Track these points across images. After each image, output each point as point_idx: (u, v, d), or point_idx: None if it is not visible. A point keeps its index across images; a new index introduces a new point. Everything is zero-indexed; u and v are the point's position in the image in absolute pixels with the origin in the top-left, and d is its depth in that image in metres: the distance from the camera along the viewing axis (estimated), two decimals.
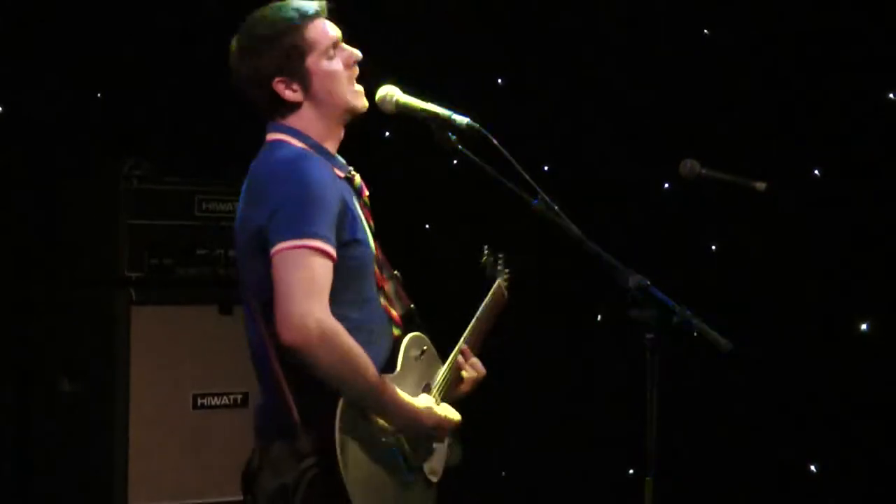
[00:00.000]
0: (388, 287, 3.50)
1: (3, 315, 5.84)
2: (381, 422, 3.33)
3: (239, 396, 5.67)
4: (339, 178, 3.43)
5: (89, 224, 5.69)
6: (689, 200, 5.58)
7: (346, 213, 3.33)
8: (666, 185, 5.81)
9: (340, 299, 3.29)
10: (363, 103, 3.49)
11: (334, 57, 3.44)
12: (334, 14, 3.50)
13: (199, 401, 5.60)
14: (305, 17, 3.42)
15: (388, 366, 3.41)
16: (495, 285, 3.89)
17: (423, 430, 3.40)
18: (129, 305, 5.51)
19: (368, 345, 3.33)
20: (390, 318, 3.47)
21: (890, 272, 5.37)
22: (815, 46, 5.52)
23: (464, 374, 3.61)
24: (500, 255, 3.99)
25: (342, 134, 3.51)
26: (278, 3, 3.48)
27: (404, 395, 3.35)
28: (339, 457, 3.22)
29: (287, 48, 3.40)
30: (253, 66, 3.42)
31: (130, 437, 5.44)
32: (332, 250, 3.25)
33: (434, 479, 3.49)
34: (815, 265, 5.52)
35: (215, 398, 5.62)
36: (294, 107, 3.43)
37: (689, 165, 4.01)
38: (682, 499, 5.44)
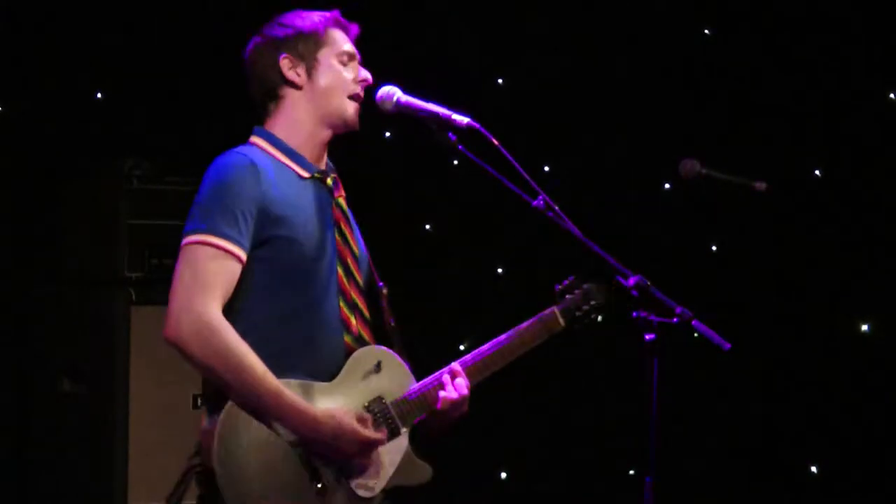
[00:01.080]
0: (355, 295, 3.45)
1: (3, 315, 5.84)
2: (277, 428, 3.26)
3: None
4: (303, 178, 3.44)
5: (89, 224, 5.69)
6: (689, 200, 5.58)
7: (266, 210, 3.31)
8: (666, 185, 5.81)
9: (265, 299, 3.31)
10: (354, 119, 3.51)
11: (347, 65, 3.50)
12: (359, 43, 3.57)
13: (199, 401, 5.60)
14: (334, 21, 3.52)
15: (325, 375, 3.36)
16: (549, 312, 3.65)
17: (320, 438, 3.27)
18: (129, 305, 5.50)
19: (304, 349, 3.33)
20: (345, 324, 3.41)
21: (890, 272, 5.38)
22: (815, 46, 5.52)
23: (441, 393, 3.45)
24: (587, 287, 3.67)
25: (328, 138, 3.51)
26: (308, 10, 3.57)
27: (298, 401, 3.25)
28: (215, 456, 3.22)
29: (307, 33, 3.48)
30: (269, 37, 3.50)
31: (130, 437, 5.44)
32: (235, 249, 3.26)
33: (365, 495, 3.36)
34: (815, 265, 5.52)
35: None
36: (286, 95, 3.46)
37: (689, 165, 4.00)
38: (682, 499, 5.44)
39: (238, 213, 3.28)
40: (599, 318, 3.64)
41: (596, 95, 5.97)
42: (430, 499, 3.55)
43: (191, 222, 3.30)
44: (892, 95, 5.39)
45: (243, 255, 3.28)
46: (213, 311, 3.21)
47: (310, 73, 3.47)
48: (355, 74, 3.51)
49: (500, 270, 6.25)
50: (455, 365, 3.51)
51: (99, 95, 6.09)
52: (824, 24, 5.50)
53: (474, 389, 3.50)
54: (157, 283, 5.59)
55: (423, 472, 3.47)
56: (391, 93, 3.54)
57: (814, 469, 5.55)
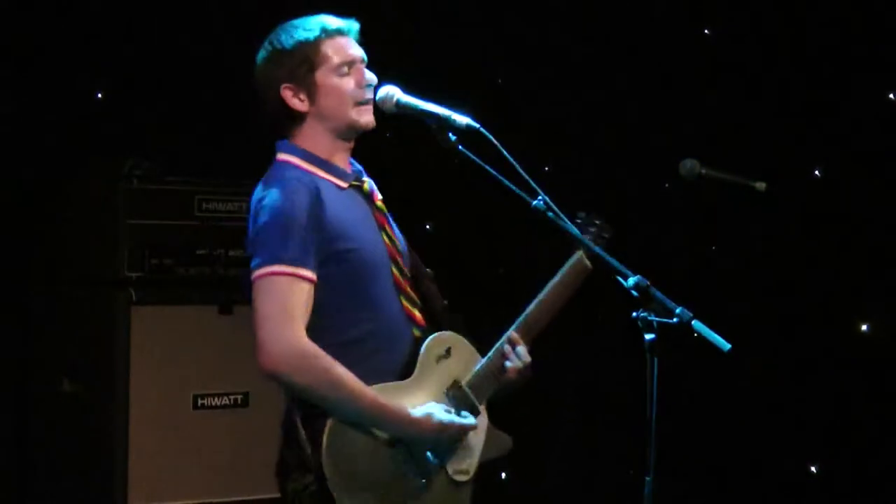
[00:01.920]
0: (410, 288, 3.55)
1: (3, 315, 5.84)
2: (378, 433, 3.37)
3: (239, 396, 5.67)
4: (342, 188, 3.49)
5: (89, 224, 5.68)
6: (689, 200, 5.58)
7: (325, 228, 3.38)
8: (666, 185, 5.81)
9: (334, 313, 3.39)
10: (367, 120, 3.53)
11: (347, 75, 3.51)
12: (362, 36, 3.57)
13: (199, 401, 5.59)
14: (326, 32, 3.50)
15: (404, 371, 3.46)
16: (575, 257, 3.68)
17: (424, 438, 3.41)
18: (129, 305, 5.50)
19: (377, 353, 3.42)
20: (411, 319, 3.51)
21: (890, 272, 5.37)
22: (815, 46, 5.52)
23: (507, 363, 3.56)
24: (599, 222, 3.76)
25: (351, 145, 3.56)
26: (307, 17, 3.55)
27: (397, 408, 3.37)
28: (329, 476, 3.31)
29: (299, 59, 3.48)
30: (267, 71, 3.51)
31: (130, 437, 5.43)
32: (305, 272, 3.33)
33: (462, 479, 3.50)
34: (815, 265, 5.52)
35: (215, 398, 5.62)
36: (299, 118, 3.50)
37: (689, 165, 4.00)
38: (682, 499, 5.44)
39: (301, 238, 3.35)
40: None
41: (596, 95, 5.97)
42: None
43: (260, 255, 3.35)
44: (891, 95, 5.39)
45: (314, 277, 3.36)
46: (304, 338, 3.32)
47: (312, 97, 3.49)
48: (359, 79, 3.51)
49: (500, 270, 6.25)
50: (512, 333, 3.59)
51: (99, 95, 6.09)
52: (824, 23, 5.49)
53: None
54: (157, 283, 5.59)
55: (505, 441, 3.66)
56: (391, 93, 3.54)
57: (814, 469, 5.55)
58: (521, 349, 3.57)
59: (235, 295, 5.68)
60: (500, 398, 3.62)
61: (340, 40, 3.52)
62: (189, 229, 5.69)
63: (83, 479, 5.50)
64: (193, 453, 5.55)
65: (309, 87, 3.48)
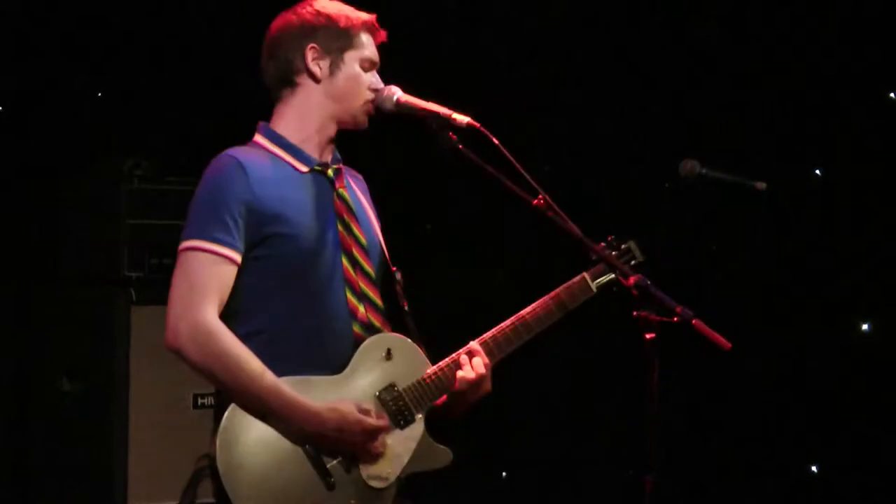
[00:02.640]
0: (364, 285, 3.45)
1: (3, 315, 5.84)
2: (280, 426, 3.27)
3: None
4: (302, 172, 3.44)
5: (89, 224, 5.68)
6: (689, 200, 5.58)
7: (258, 210, 3.32)
8: (666, 185, 5.81)
9: (266, 297, 3.32)
10: (363, 122, 3.52)
11: (367, 71, 3.51)
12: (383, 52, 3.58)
13: (200, 401, 5.59)
14: (369, 26, 3.51)
15: (337, 366, 3.36)
16: (579, 278, 3.62)
17: (325, 432, 3.27)
18: (129, 305, 5.50)
19: (311, 343, 3.33)
20: (353, 314, 3.41)
21: (890, 272, 5.38)
22: (815, 46, 5.52)
23: (458, 373, 3.45)
24: (626, 247, 3.67)
25: (333, 133, 3.51)
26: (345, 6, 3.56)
27: (298, 397, 3.26)
28: (220, 463, 3.24)
29: (340, 29, 3.47)
30: (299, 24, 3.48)
31: (130, 437, 5.43)
32: (224, 250, 3.29)
33: (378, 485, 3.35)
34: (815, 265, 5.52)
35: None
36: (299, 85, 3.46)
37: (689, 165, 4.00)
38: (682, 499, 5.44)
39: (227, 215, 3.31)
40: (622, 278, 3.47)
41: (596, 95, 5.97)
42: (430, 499, 3.54)
43: (184, 230, 3.34)
44: (892, 95, 5.39)
45: (237, 257, 3.31)
46: (209, 315, 3.24)
47: (332, 69, 3.47)
48: (373, 81, 3.52)
49: (500, 270, 6.25)
50: (473, 344, 3.51)
51: (99, 95, 6.09)
52: (824, 23, 5.49)
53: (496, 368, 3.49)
54: (157, 283, 5.58)
55: (443, 456, 3.47)
56: (391, 92, 3.53)
57: (814, 469, 5.55)
58: (479, 361, 3.47)
59: None
60: (450, 414, 3.49)
61: (373, 40, 3.53)
62: None
63: (83, 479, 5.50)
64: (193, 453, 5.53)
65: (335, 59, 3.46)
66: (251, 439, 3.26)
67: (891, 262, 5.37)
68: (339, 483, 3.31)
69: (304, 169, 3.46)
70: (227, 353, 3.24)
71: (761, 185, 4.05)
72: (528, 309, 3.58)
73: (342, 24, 3.47)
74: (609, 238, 3.66)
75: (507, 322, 3.56)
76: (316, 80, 3.47)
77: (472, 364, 3.47)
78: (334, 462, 3.31)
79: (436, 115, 3.48)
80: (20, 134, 5.88)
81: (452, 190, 5.97)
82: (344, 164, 3.57)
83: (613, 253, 3.63)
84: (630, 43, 5.91)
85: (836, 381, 5.46)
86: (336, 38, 3.46)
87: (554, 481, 6.09)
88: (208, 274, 3.27)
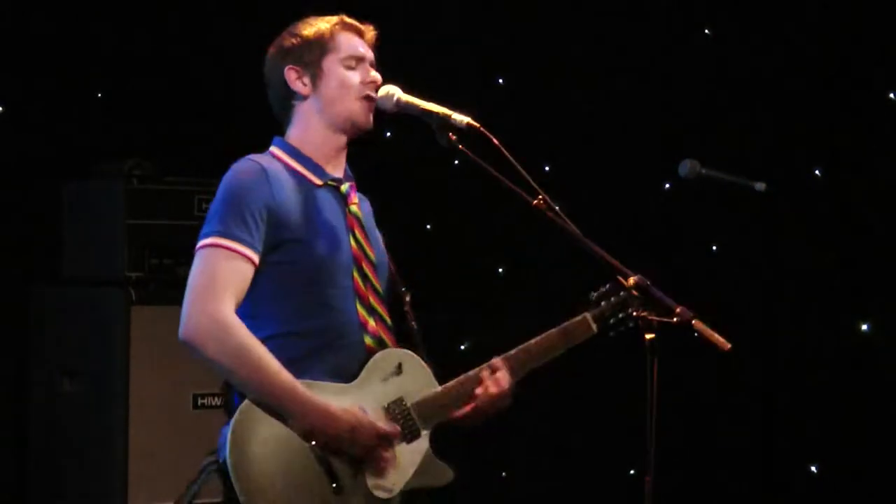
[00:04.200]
0: (373, 299, 3.48)
1: (3, 315, 5.84)
2: (293, 424, 3.28)
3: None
4: (317, 185, 3.48)
5: (89, 224, 5.69)
6: (689, 200, 5.58)
7: (277, 215, 3.36)
8: (666, 185, 5.81)
9: (281, 302, 3.36)
10: (364, 120, 3.52)
11: (353, 69, 3.52)
12: (377, 45, 3.58)
13: (199, 401, 5.60)
14: (343, 25, 3.53)
15: (347, 376, 3.38)
16: (580, 318, 3.61)
17: (337, 432, 3.28)
18: (129, 305, 5.50)
19: (322, 351, 3.36)
20: (363, 327, 3.44)
21: (890, 272, 5.37)
22: (815, 46, 5.52)
23: (478, 389, 3.48)
24: (624, 295, 3.55)
25: (344, 145, 3.54)
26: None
27: (314, 396, 3.28)
28: (229, 454, 3.23)
29: (311, 43, 3.50)
30: (277, 52, 3.54)
31: (130, 437, 5.43)
32: (242, 249, 3.32)
33: (382, 495, 3.36)
34: (815, 265, 5.52)
35: (215, 398, 5.62)
36: (298, 104, 3.50)
37: (689, 165, 4.00)
38: (682, 499, 5.44)
39: (248, 216, 3.34)
40: (632, 325, 3.53)
41: (596, 95, 5.97)
42: (430, 499, 3.54)
43: (204, 227, 3.38)
44: (891, 95, 5.39)
45: (255, 257, 3.34)
46: (227, 310, 3.26)
47: (314, 81, 3.50)
48: (364, 76, 3.51)
49: (500, 270, 6.25)
50: (496, 360, 3.52)
51: (99, 95, 6.09)
52: (824, 23, 5.49)
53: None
54: (157, 283, 5.59)
55: (444, 473, 3.49)
56: (391, 92, 3.54)
57: (814, 469, 5.54)
58: (501, 376, 3.50)
59: None
60: (467, 424, 3.51)
61: (355, 37, 3.54)
62: (189, 229, 5.65)
63: (83, 478, 5.50)
64: (193, 453, 5.53)
65: (314, 71, 3.49)
66: (263, 436, 3.26)
67: (891, 262, 5.37)
68: (346, 488, 3.31)
69: (319, 182, 3.50)
70: (245, 347, 3.25)
71: (761, 185, 4.06)
72: (537, 339, 3.60)
73: (312, 35, 3.51)
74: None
75: (522, 346, 3.58)
76: (304, 96, 3.50)
77: (496, 378, 3.50)
78: (343, 466, 3.31)
79: (436, 115, 3.49)
80: (21, 134, 5.88)
81: (452, 189, 5.97)
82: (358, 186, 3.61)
83: (603, 303, 3.61)
84: (630, 42, 5.91)
85: (836, 381, 5.46)
86: (310, 51, 3.50)
87: (554, 481, 6.09)
88: (228, 270, 3.30)
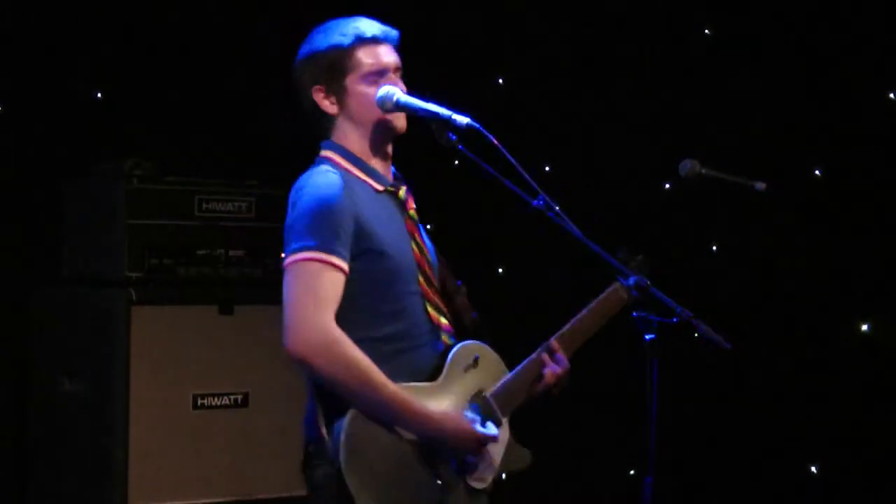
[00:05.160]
0: (438, 297, 3.56)
1: (3, 315, 5.84)
2: (399, 430, 3.37)
3: (239, 396, 5.67)
4: (378, 191, 3.53)
5: (89, 224, 5.68)
6: (689, 200, 5.58)
7: (359, 226, 3.42)
8: (666, 186, 5.81)
9: (362, 309, 3.42)
10: (400, 126, 3.56)
11: (377, 82, 3.53)
12: (398, 43, 3.60)
13: (199, 401, 5.59)
14: (360, 40, 3.54)
15: (430, 376, 3.47)
16: (611, 288, 3.64)
17: (443, 437, 3.41)
18: (129, 305, 5.50)
19: (403, 353, 3.44)
20: (438, 326, 3.52)
21: (890, 272, 5.37)
22: (815, 46, 5.52)
23: (545, 370, 3.57)
24: (639, 258, 3.64)
25: (388, 149, 3.59)
26: (345, 19, 3.58)
27: (420, 405, 3.38)
28: (344, 465, 3.30)
29: (331, 62, 3.52)
30: (302, 71, 3.56)
31: (130, 437, 5.43)
32: (338, 261, 3.36)
33: (480, 486, 3.51)
34: (816, 265, 5.52)
35: (215, 398, 5.62)
36: (331, 119, 3.55)
37: (689, 165, 4.00)
38: (682, 499, 5.44)
39: (339, 229, 3.38)
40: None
41: (596, 95, 5.97)
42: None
43: (296, 241, 3.38)
44: (891, 95, 5.39)
45: (346, 267, 3.39)
46: (333, 324, 3.34)
47: (341, 101, 3.54)
48: (387, 89, 3.53)
49: (500, 270, 6.25)
50: (552, 341, 3.59)
51: (99, 95, 6.09)
52: (824, 23, 5.49)
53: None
54: (157, 283, 5.59)
55: (525, 457, 3.67)
56: (391, 93, 3.54)
57: (814, 469, 5.55)
58: (561, 356, 3.59)
59: (235, 295, 5.68)
60: (536, 406, 3.62)
61: (375, 48, 3.55)
62: (189, 229, 5.69)
63: (83, 478, 5.50)
64: (193, 453, 5.56)
65: (339, 91, 3.53)
66: (377, 444, 3.35)
67: (891, 262, 5.37)
68: (450, 485, 3.44)
69: (380, 188, 3.55)
70: (354, 361, 3.33)
71: (761, 185, 4.05)
72: (581, 313, 3.65)
73: (331, 53, 3.53)
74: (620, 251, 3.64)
75: (569, 322, 3.63)
76: (334, 115, 3.55)
77: (556, 359, 3.59)
78: (446, 465, 3.44)
79: (436, 115, 3.49)
80: (21, 134, 5.88)
81: (452, 190, 5.97)
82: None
83: (630, 264, 3.61)
84: (630, 42, 5.91)
85: (836, 381, 5.46)
86: (331, 71, 3.52)
87: (554, 481, 6.09)
88: (328, 283, 3.35)
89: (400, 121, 3.55)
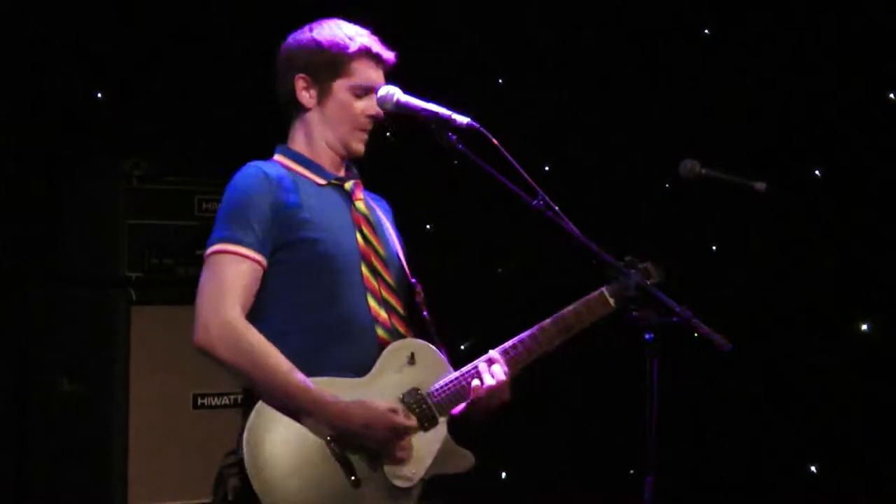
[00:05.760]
0: (385, 293, 3.51)
1: (3, 315, 5.84)
2: (308, 422, 3.32)
3: (239, 396, 5.53)
4: (320, 185, 3.52)
5: (89, 224, 5.68)
6: (689, 200, 5.58)
7: (283, 215, 3.41)
8: (666, 185, 5.81)
9: (290, 298, 3.41)
10: (358, 147, 3.57)
11: (360, 98, 3.54)
12: (392, 69, 3.58)
13: (199, 401, 5.59)
14: (365, 52, 3.54)
15: (361, 370, 3.42)
16: (591, 295, 3.52)
17: (352, 427, 3.32)
18: (129, 305, 5.49)
19: (334, 346, 3.40)
20: (376, 320, 3.47)
21: (890, 272, 5.38)
22: (815, 46, 5.52)
23: (474, 381, 3.47)
24: (644, 266, 3.47)
25: (341, 152, 3.58)
26: (354, 24, 3.58)
27: (326, 393, 3.32)
28: (247, 455, 3.30)
29: (328, 60, 3.52)
30: (293, 53, 3.56)
31: (130, 437, 5.43)
32: (248, 252, 3.38)
33: (403, 485, 3.39)
34: (815, 265, 5.52)
35: (215, 398, 5.62)
36: (300, 109, 3.54)
37: (689, 165, 4.00)
38: (682, 499, 5.44)
39: (253, 220, 3.40)
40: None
41: (596, 95, 5.97)
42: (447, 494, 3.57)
43: (211, 234, 3.43)
44: (892, 95, 5.40)
45: (262, 260, 3.40)
46: (236, 314, 3.35)
47: (320, 98, 3.54)
48: (368, 107, 3.54)
49: (500, 270, 6.26)
50: (493, 352, 3.52)
51: (99, 95, 6.09)
52: (824, 24, 5.50)
53: (517, 377, 3.49)
54: (157, 283, 5.59)
55: (465, 459, 3.53)
56: (391, 93, 3.54)
57: (814, 469, 5.55)
58: (498, 368, 3.48)
59: None
60: (471, 422, 3.50)
61: (374, 66, 3.56)
62: (189, 229, 5.69)
63: (83, 478, 5.49)
64: (193, 453, 5.55)
65: (322, 88, 3.53)
66: (278, 437, 3.32)
67: (891, 262, 5.37)
68: (365, 481, 3.35)
69: (322, 182, 3.55)
70: (255, 349, 3.32)
71: (761, 185, 4.05)
72: (547, 321, 3.55)
73: (333, 51, 3.52)
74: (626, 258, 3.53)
75: (526, 333, 3.54)
76: (306, 109, 3.55)
77: (492, 372, 3.49)
78: (359, 459, 3.36)
79: (436, 115, 3.49)
80: (20, 133, 5.88)
81: (452, 190, 5.97)
82: (364, 184, 3.64)
83: (632, 270, 3.48)
84: (630, 42, 5.91)
85: (836, 381, 5.46)
86: (325, 67, 3.52)
87: (554, 481, 6.10)
88: (235, 275, 3.37)
89: (360, 145, 3.56)
